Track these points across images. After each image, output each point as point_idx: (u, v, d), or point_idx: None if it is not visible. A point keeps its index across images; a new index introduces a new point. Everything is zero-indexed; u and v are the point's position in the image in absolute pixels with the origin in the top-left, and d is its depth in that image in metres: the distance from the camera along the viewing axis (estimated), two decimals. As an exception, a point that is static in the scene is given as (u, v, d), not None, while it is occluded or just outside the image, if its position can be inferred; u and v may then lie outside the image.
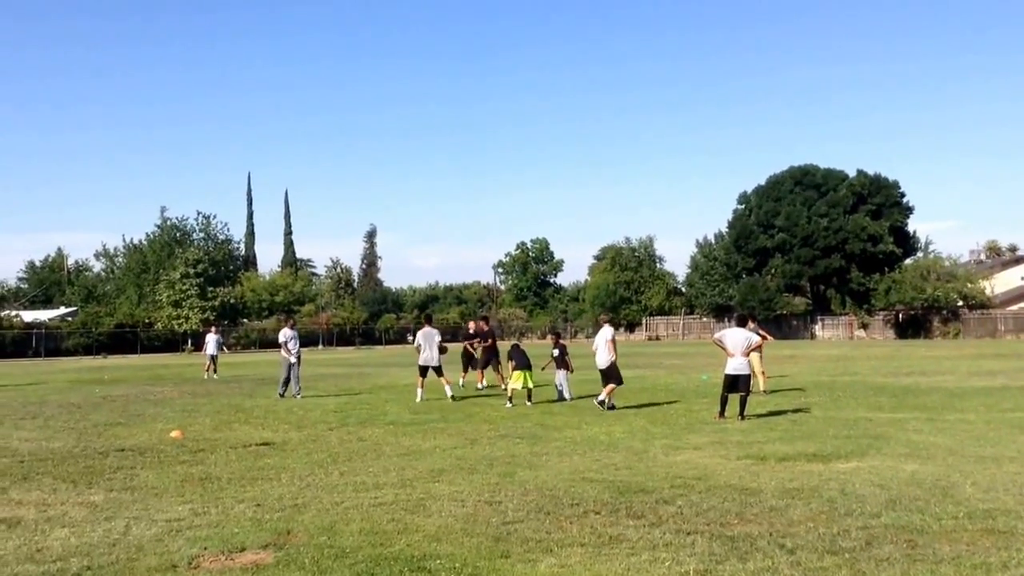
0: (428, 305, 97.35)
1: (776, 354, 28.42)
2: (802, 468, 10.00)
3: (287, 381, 20.25)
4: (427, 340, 18.90)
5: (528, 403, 17.56)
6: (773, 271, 78.72)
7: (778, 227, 76.78)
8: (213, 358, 30.35)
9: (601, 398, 16.71)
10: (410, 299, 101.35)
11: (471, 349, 22.84)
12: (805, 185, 77.58)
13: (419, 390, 18.96)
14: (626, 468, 10.11)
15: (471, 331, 23.54)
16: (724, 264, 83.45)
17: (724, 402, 15.05)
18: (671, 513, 7.74)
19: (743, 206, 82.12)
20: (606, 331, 17.17)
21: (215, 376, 29.41)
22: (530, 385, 17.82)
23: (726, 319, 75.06)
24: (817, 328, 78.46)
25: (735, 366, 14.97)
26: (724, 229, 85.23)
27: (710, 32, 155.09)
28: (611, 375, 16.81)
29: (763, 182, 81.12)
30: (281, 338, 20.86)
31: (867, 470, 9.81)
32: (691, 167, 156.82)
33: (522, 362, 17.89)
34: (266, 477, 9.79)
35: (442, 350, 19.04)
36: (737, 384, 14.93)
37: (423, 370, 18.90)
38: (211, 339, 31.19)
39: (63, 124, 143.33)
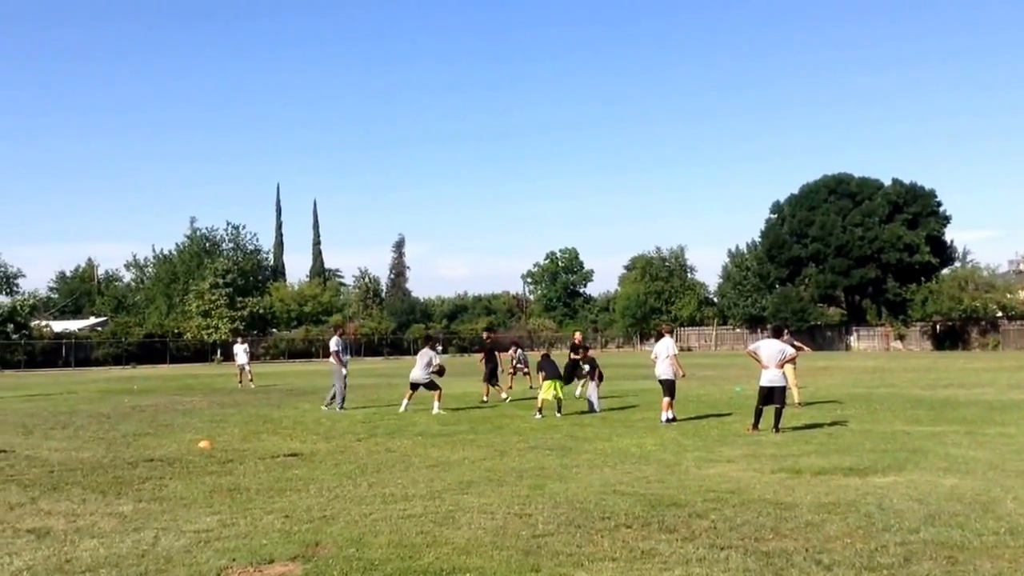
0: (457, 315, 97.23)
1: (811, 366, 28.09)
2: (838, 482, 9.86)
3: (340, 392, 20.01)
4: (419, 358, 19.34)
5: (558, 414, 17.44)
6: (807, 281, 77.93)
7: (812, 236, 76.02)
8: (243, 368, 30.60)
9: (668, 416, 16.31)
10: (439, 309, 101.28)
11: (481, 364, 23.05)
12: (839, 194, 76.74)
13: (405, 400, 19.22)
14: (658, 481, 9.98)
15: (488, 341, 23.91)
16: (757, 274, 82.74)
17: (759, 415, 14.86)
18: (704, 527, 7.63)
19: (776, 215, 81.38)
20: (668, 343, 16.97)
21: (251, 385, 29.56)
22: (560, 395, 17.70)
23: (759, 330, 74.45)
24: (852, 339, 77.56)
25: (770, 378, 14.81)
26: (756, 238, 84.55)
27: (742, 39, 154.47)
28: (672, 389, 16.63)
29: (796, 191, 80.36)
30: (333, 346, 20.51)
31: (905, 484, 9.66)
32: (723, 176, 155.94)
33: (552, 372, 17.83)
34: (294, 488, 9.76)
35: (440, 371, 19.18)
36: (772, 396, 14.75)
37: (412, 385, 19.21)
38: (239, 349, 31.49)
39: (93, 135, 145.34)
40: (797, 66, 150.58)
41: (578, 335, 21.73)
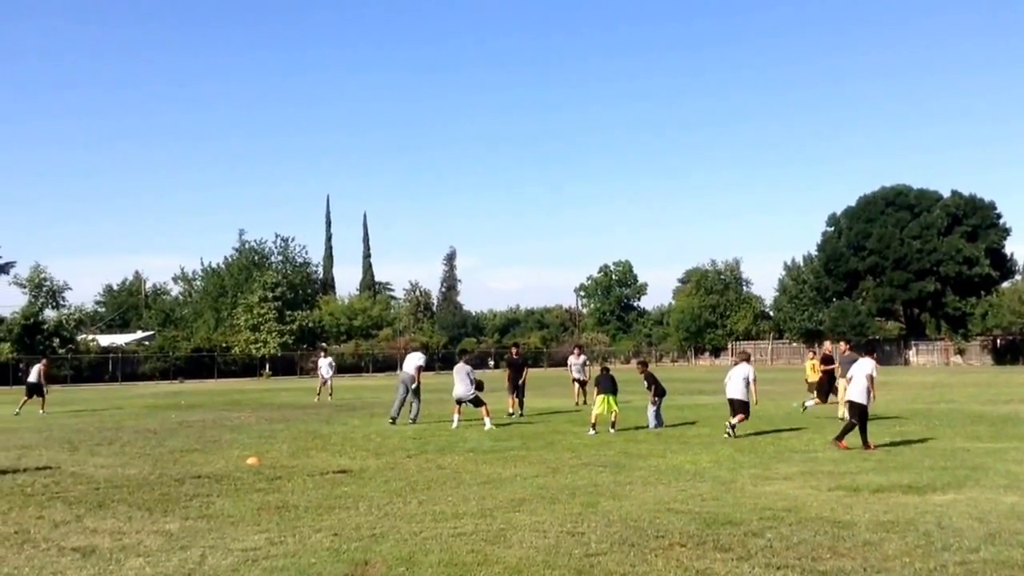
0: (509, 329, 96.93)
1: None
2: (897, 500, 9.67)
3: (415, 406, 20.32)
4: (457, 375, 19.57)
5: (611, 431, 17.26)
6: (864, 295, 76.75)
7: (870, 249, 74.91)
8: (326, 380, 31.12)
9: (733, 422, 16.59)
10: (490, 323, 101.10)
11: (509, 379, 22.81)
12: (897, 206, 75.57)
13: (455, 416, 19.44)
14: (713, 499, 9.81)
15: (515, 356, 23.69)
16: (813, 287, 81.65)
17: (865, 431, 14.66)
18: (760, 546, 7.49)
19: (833, 228, 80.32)
20: (746, 369, 17.09)
21: (329, 399, 29.91)
22: (615, 410, 17.53)
23: (816, 344, 73.34)
24: (911, 354, 76.12)
25: (860, 395, 14.76)
26: (813, 251, 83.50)
27: (798, 48, 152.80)
28: (744, 409, 16.73)
29: (853, 203, 79.27)
30: (419, 362, 20.72)
31: (965, 502, 9.45)
32: (779, 188, 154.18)
33: (608, 387, 17.64)
34: (343, 506, 9.70)
35: (479, 386, 19.35)
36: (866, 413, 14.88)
37: (457, 401, 19.46)
38: (323, 363, 31.96)
39: (140, 148, 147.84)
40: (853, 76, 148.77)
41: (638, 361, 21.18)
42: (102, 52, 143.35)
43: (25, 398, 27.16)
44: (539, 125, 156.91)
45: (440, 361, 75.39)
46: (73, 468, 13.16)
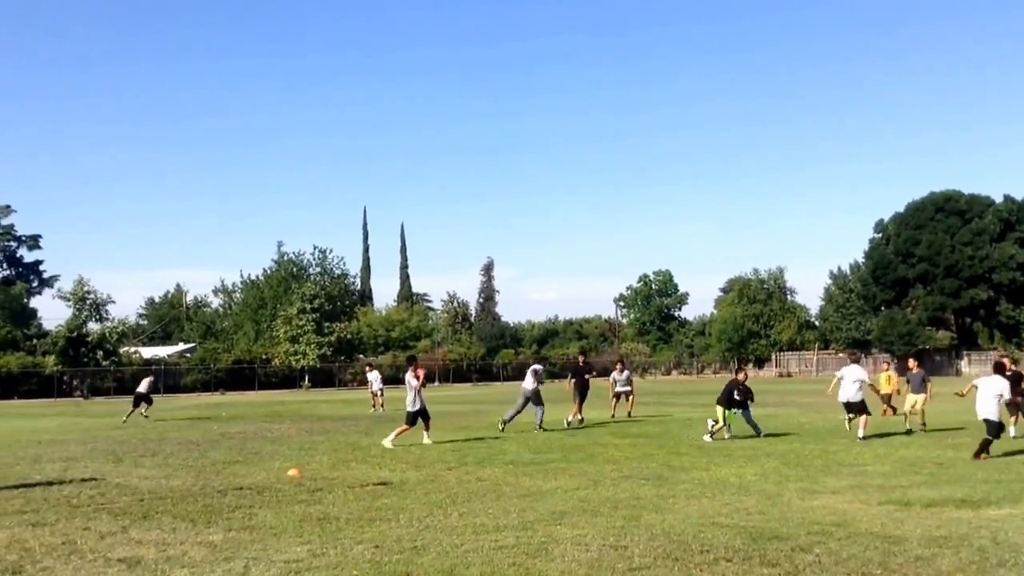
0: (548, 340, 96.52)
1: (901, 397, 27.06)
2: (950, 515, 9.47)
3: (539, 412, 21.16)
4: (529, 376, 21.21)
5: (726, 436, 17.94)
6: (914, 303, 75.57)
7: (919, 256, 73.75)
8: (377, 393, 31.62)
9: (860, 433, 17.48)
10: (529, 334, 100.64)
11: (569, 386, 23.34)
12: (947, 212, 74.36)
13: (575, 417, 21.58)
14: (758, 513, 9.65)
15: (581, 365, 24.00)
16: (861, 296, 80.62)
17: (987, 445, 14.57)
18: (808, 562, 7.35)
19: (880, 235, 79.28)
20: (858, 371, 17.99)
21: (382, 410, 30.28)
22: (730, 420, 18.14)
23: (864, 355, 72.38)
24: (963, 364, 74.67)
25: (989, 411, 14.75)
26: (860, 259, 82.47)
27: (844, 51, 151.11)
28: (865, 409, 17.74)
29: (901, 209, 78.20)
30: (540, 368, 22.07)
31: (1021, 517, 9.26)
32: (823, 194, 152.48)
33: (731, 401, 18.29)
34: (384, 518, 9.68)
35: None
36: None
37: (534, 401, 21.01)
38: (373, 376, 32.54)
39: (180, 162, 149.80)
40: (901, 78, 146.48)
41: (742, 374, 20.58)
42: (138, 63, 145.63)
43: (133, 408, 28.92)
44: (577, 133, 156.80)
45: (478, 373, 75.47)
46: (118, 480, 13.31)
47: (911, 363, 21.46)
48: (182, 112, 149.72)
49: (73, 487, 12.50)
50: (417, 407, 17.59)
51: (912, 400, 19.84)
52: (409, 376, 17.77)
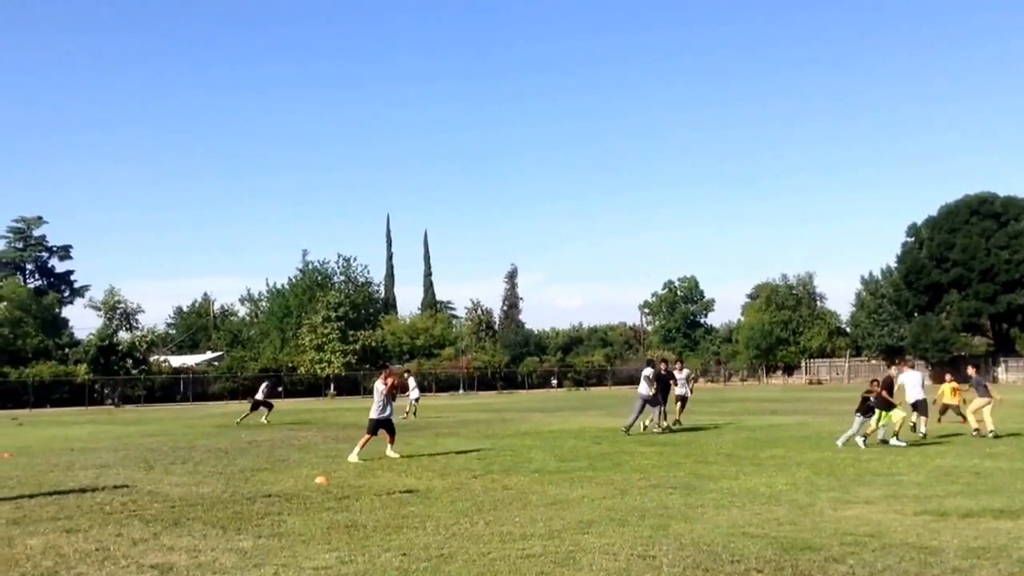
0: (572, 347, 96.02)
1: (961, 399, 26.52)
2: (987, 525, 9.31)
3: (658, 410, 22.12)
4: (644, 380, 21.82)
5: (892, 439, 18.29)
6: (948, 309, 74.43)
7: (953, 261, 72.60)
8: (414, 401, 32.12)
9: (922, 430, 19.35)
10: (553, 341, 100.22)
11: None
12: (982, 215, 73.14)
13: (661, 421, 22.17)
14: (790, 523, 9.52)
15: (663, 371, 23.79)
16: (893, 302, 79.58)
17: None
18: (842, 573, 7.27)
19: (913, 239, 78.09)
20: (917, 374, 20.52)
21: (414, 417, 30.58)
22: (889, 422, 18.45)
23: (897, 361, 71.52)
24: (1000, 371, 73.47)
25: None
26: (892, 264, 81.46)
27: (874, 52, 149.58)
28: (926, 408, 19.73)
29: (934, 212, 77.02)
30: (647, 374, 22.01)
31: None
32: (853, 197, 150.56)
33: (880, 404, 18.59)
34: (411, 526, 9.68)
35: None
36: None
37: (651, 403, 21.82)
38: (412, 384, 32.89)
39: (206, 171, 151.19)
40: (933, 77, 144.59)
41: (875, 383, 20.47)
42: (164, 73, 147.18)
43: (249, 411, 30.53)
44: (600, 137, 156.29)
45: (502, 381, 75.35)
46: (149, 487, 13.45)
47: (971, 370, 21.63)
48: (209, 122, 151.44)
49: (106, 494, 12.64)
50: (382, 416, 16.80)
51: (977, 406, 20.04)
52: (378, 383, 17.14)
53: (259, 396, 31.06)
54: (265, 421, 29.49)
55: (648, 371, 22.03)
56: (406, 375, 34.72)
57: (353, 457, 16.43)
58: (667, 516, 10.04)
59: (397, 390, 17.46)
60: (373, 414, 16.83)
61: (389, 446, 17.28)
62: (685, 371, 25.93)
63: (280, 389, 32.77)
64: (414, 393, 32.54)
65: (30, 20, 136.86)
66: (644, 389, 21.60)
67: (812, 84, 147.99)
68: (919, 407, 19.57)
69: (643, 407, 21.59)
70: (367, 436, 16.87)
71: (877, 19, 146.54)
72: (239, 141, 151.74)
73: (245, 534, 9.40)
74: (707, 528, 9.26)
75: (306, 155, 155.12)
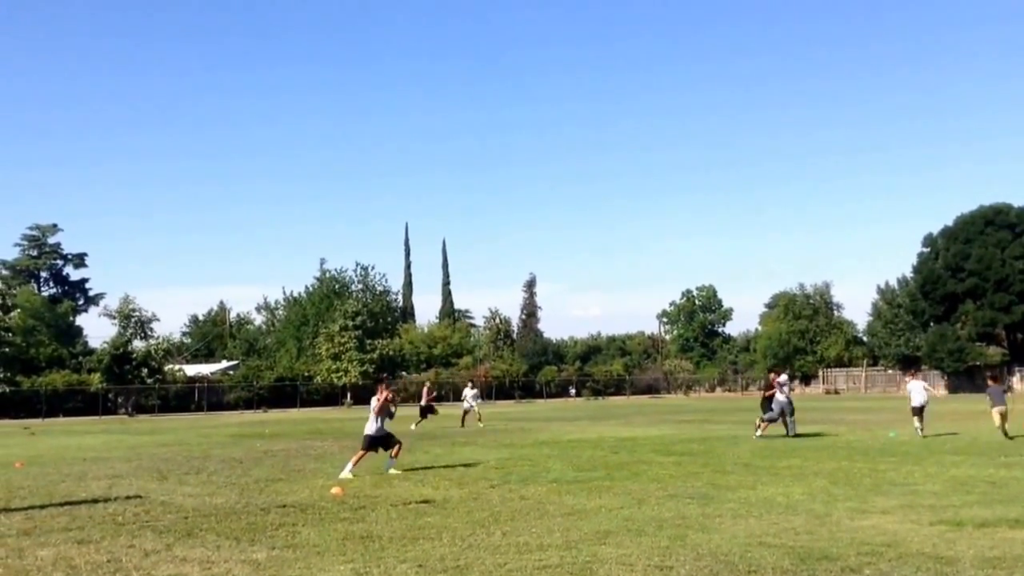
0: (590, 356, 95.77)
1: (970, 409, 26.41)
2: (1004, 535, 9.22)
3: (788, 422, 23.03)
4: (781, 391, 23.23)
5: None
6: (964, 318, 74.18)
7: (968, 271, 72.43)
8: (470, 409, 32.50)
9: (921, 428, 22.63)
10: (571, 350, 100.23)
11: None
12: (998, 225, 72.97)
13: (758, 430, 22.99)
14: (807, 533, 9.47)
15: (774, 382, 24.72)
16: (909, 311, 79.31)
17: None
18: (859, 584, 7.18)
19: (928, 249, 77.99)
20: (921, 383, 23.97)
21: (480, 424, 31.11)
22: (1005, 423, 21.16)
23: (913, 371, 71.15)
24: (1015, 380, 72.99)
25: None
26: (908, 274, 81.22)
27: (889, 62, 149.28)
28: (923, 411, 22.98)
29: (950, 223, 76.87)
30: (784, 379, 23.71)
31: None
32: (871, 208, 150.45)
33: (998, 399, 21.62)
34: (427, 536, 9.63)
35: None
36: None
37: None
38: (468, 393, 33.42)
39: (223, 179, 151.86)
40: (949, 88, 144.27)
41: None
42: (179, 80, 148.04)
43: (420, 417, 31.49)
44: (619, 146, 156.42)
45: (520, 390, 75.18)
46: (162, 497, 13.38)
47: (990, 380, 23.85)
48: (225, 130, 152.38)
49: (118, 504, 12.59)
50: (374, 432, 15.84)
51: (995, 413, 22.05)
52: (373, 399, 16.14)
53: (423, 402, 32.06)
54: (413, 428, 29.88)
55: (782, 379, 23.51)
56: (470, 384, 35.09)
57: (346, 473, 15.48)
58: (684, 526, 9.99)
59: (393, 404, 16.44)
60: (367, 430, 15.98)
61: (391, 462, 16.18)
62: (784, 375, 26.08)
63: (434, 393, 33.39)
64: (471, 402, 32.76)
65: (46, 28, 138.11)
66: (782, 397, 23.01)
67: (830, 94, 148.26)
68: (917, 411, 23.08)
69: (782, 413, 22.97)
70: (361, 452, 15.96)
71: (894, 29, 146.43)
72: (257, 148, 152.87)
73: (259, 545, 9.34)
74: (724, 538, 9.21)
75: (325, 163, 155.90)
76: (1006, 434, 21.32)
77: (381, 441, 15.94)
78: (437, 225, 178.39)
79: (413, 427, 29.44)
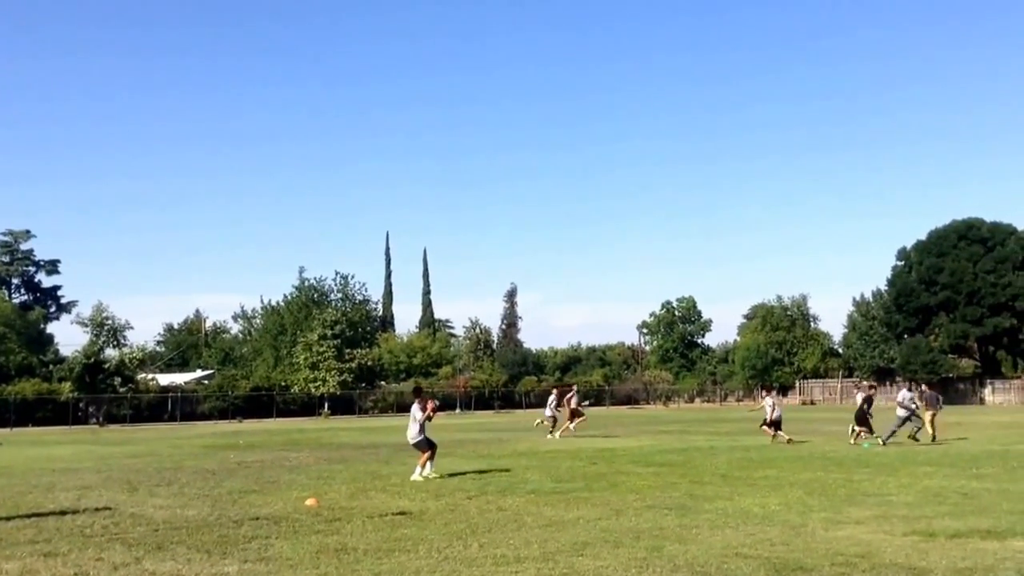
0: (570, 367, 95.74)
1: (941, 421, 26.58)
2: (975, 546, 9.32)
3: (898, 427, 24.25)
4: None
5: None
6: (937, 331, 74.95)
7: (942, 284, 73.24)
8: (551, 416, 31.92)
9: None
10: (551, 360, 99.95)
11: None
12: (970, 240, 73.91)
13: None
14: (782, 544, 9.51)
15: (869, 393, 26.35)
16: (884, 324, 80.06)
17: None
18: (834, 595, 7.18)
19: (903, 262, 78.84)
20: (908, 393, 25.31)
21: (571, 428, 31.03)
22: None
23: (889, 383, 71.67)
24: (987, 392, 73.88)
25: None
26: (883, 287, 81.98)
27: (866, 79, 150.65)
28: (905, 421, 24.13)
29: (924, 237, 77.76)
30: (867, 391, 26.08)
31: None
32: (846, 222, 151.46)
33: (933, 404, 23.81)
34: (403, 548, 9.55)
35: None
36: None
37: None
38: (552, 401, 32.61)
39: (198, 186, 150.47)
40: (923, 106, 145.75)
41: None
42: (157, 90, 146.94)
43: (571, 421, 31.19)
44: (599, 159, 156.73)
45: (500, 400, 74.93)
46: (132, 509, 13.15)
47: (924, 386, 26.90)
48: (203, 137, 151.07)
49: (87, 516, 12.35)
50: (421, 437, 16.85)
51: (928, 418, 24.79)
52: (415, 408, 17.11)
53: (573, 404, 31.65)
54: (551, 434, 30.28)
55: (904, 394, 25.34)
56: (554, 392, 34.14)
57: (417, 476, 16.55)
58: (662, 537, 9.99)
59: (434, 414, 17.51)
60: (413, 437, 16.93)
61: (419, 468, 16.91)
62: (868, 389, 27.21)
63: (568, 396, 32.47)
64: (550, 410, 32.24)
65: (16, 36, 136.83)
66: (909, 402, 24.64)
67: (807, 109, 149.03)
68: (776, 423, 25.53)
69: (907, 419, 24.20)
70: (426, 452, 16.91)
71: (868, 47, 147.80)
72: (236, 156, 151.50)
73: (230, 559, 9.19)
74: (701, 549, 9.22)
75: (305, 172, 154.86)
76: (934, 438, 24.17)
77: (427, 443, 16.94)
78: (418, 235, 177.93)
79: (571, 427, 30.82)
